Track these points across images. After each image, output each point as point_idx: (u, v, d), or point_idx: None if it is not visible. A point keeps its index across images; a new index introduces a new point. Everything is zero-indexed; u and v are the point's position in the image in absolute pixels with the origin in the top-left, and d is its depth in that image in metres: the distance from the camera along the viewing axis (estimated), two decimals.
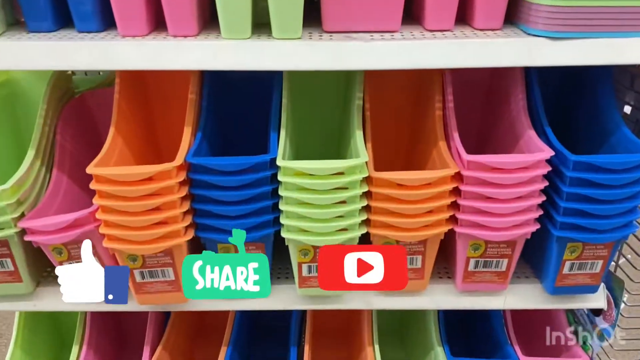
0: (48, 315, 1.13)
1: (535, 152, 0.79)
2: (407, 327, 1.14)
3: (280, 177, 0.77)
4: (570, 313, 1.09)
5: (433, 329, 1.05)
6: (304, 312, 1.08)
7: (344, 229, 0.80)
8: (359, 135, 0.83)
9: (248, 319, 1.12)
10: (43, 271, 0.94)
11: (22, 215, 0.83)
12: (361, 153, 0.78)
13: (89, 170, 0.75)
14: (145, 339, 1.02)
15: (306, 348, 1.00)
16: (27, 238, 0.81)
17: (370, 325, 1.05)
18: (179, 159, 0.76)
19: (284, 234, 0.80)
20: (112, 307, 0.88)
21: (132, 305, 0.89)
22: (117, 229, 0.78)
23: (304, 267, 0.85)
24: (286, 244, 0.82)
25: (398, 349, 1.03)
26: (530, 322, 1.09)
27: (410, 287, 0.89)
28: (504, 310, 1.07)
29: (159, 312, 1.06)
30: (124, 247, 0.79)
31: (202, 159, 0.77)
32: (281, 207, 0.79)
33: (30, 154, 0.87)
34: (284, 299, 0.90)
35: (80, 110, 1.00)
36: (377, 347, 1.01)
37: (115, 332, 1.14)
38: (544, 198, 0.80)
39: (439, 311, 1.06)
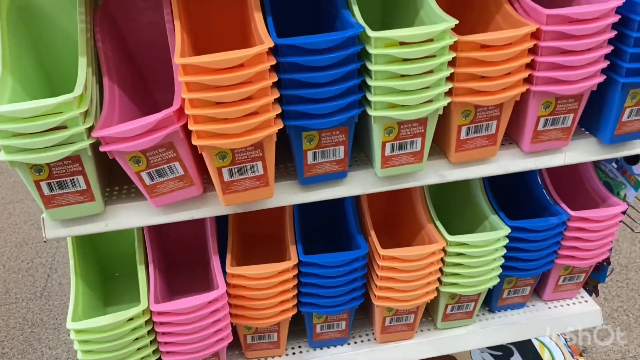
0: (91, 244, 1.08)
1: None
2: (453, 204, 1.18)
3: (370, 50, 0.75)
4: (599, 170, 1.17)
5: (483, 200, 1.09)
6: (358, 202, 1.09)
7: (429, 101, 0.81)
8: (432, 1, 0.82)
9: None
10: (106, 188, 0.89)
11: (92, 127, 0.77)
12: (446, 17, 0.78)
13: (178, 60, 0.70)
14: (211, 247, 1.00)
15: (372, 234, 1.02)
16: (103, 149, 0.76)
17: (425, 203, 1.07)
18: (268, 41, 0.73)
19: (372, 112, 0.80)
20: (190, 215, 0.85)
21: (216, 208, 0.87)
22: (209, 123, 0.74)
23: (388, 146, 0.85)
24: (373, 123, 0.82)
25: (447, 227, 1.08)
26: (564, 184, 1.16)
27: (483, 154, 0.91)
28: (541, 176, 1.13)
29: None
30: (217, 143, 0.75)
31: (291, 39, 0.74)
32: (370, 83, 0.78)
33: (82, 61, 0.81)
34: (364, 183, 0.91)
35: (108, 15, 0.92)
36: (438, 223, 1.04)
37: (164, 252, 1.11)
38: (611, 47, 0.84)
39: (484, 181, 1.11)
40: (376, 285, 1.01)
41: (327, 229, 1.17)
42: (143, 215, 0.87)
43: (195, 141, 0.75)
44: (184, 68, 0.71)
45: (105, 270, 1.14)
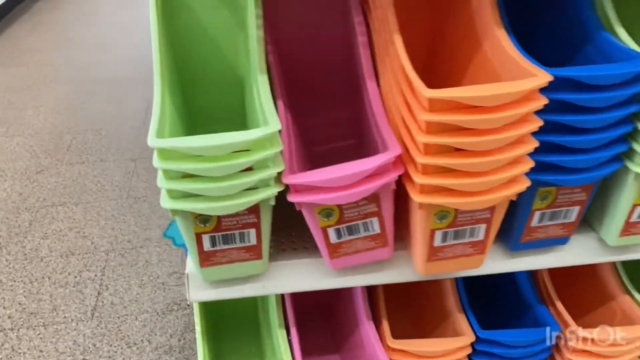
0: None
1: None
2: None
3: None
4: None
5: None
6: None
7: None
8: None
9: None
10: None
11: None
12: None
13: (428, 93, 0.51)
14: (362, 313, 0.81)
15: (558, 306, 0.83)
16: (295, 199, 0.57)
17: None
18: (543, 73, 0.54)
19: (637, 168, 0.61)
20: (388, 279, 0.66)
21: (404, 273, 0.68)
22: (446, 176, 0.55)
23: (638, 209, 0.66)
24: (631, 180, 0.63)
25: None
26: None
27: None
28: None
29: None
30: (451, 202, 0.56)
31: (570, 69, 0.55)
32: None
33: (263, 81, 0.62)
34: (588, 251, 0.71)
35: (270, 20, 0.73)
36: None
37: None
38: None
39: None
40: None
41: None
42: (311, 277, 0.68)
43: (422, 198, 0.56)
44: (432, 102, 0.52)
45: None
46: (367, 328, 0.78)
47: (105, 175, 2.22)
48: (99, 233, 1.98)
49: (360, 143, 0.81)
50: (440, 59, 0.68)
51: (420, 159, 0.54)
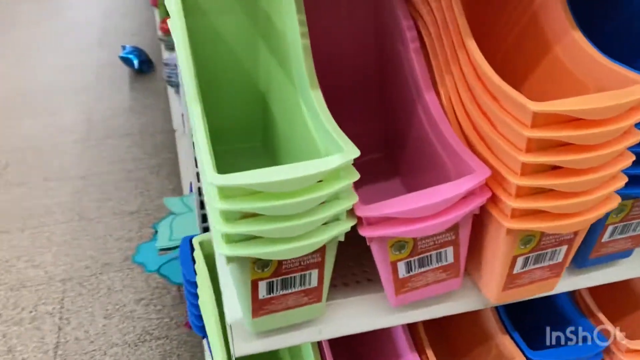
0: None
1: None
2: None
3: None
4: None
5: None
6: None
7: None
8: None
9: None
10: None
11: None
12: None
13: (534, 107, 0.44)
14: (405, 344, 0.74)
15: (601, 317, 0.79)
16: (369, 233, 0.49)
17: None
18: None
19: None
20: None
21: (472, 302, 0.61)
22: (541, 198, 0.49)
23: None
24: None
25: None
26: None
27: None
28: None
29: None
30: (546, 226, 0.50)
31: None
32: None
33: (318, 96, 0.53)
34: None
35: None
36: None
37: None
38: None
39: None
40: None
41: None
42: (370, 315, 0.60)
43: (510, 223, 0.50)
44: (537, 116, 0.45)
45: None
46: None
47: (51, 196, 2.03)
48: (52, 261, 1.81)
49: (386, 157, 0.74)
50: (492, 63, 0.61)
51: (517, 181, 0.47)
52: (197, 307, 0.87)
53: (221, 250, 0.46)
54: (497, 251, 0.54)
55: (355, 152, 0.45)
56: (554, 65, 0.55)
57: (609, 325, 0.77)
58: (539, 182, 0.47)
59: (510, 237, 0.51)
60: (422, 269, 0.55)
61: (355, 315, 0.59)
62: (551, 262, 0.57)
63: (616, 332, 0.77)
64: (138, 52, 2.71)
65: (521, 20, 0.59)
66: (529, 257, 0.55)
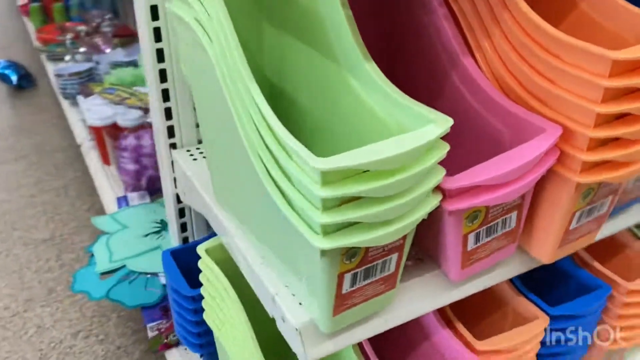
0: None
1: None
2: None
3: None
4: None
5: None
6: None
7: None
8: None
9: None
10: None
11: None
12: None
13: (614, 55, 0.44)
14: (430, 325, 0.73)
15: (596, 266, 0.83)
16: (453, 206, 0.47)
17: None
18: None
19: None
20: None
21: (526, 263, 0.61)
22: (621, 147, 0.50)
23: None
24: None
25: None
26: None
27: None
28: None
29: None
30: (614, 176, 0.51)
31: None
32: None
33: (373, 68, 0.49)
34: None
35: None
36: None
37: None
38: None
39: None
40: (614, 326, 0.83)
41: None
42: (433, 295, 0.58)
43: (580, 177, 0.50)
44: (615, 66, 0.45)
45: None
46: (445, 336, 0.70)
47: None
48: None
49: None
50: None
51: (592, 133, 0.47)
52: (195, 323, 0.80)
53: (318, 244, 0.41)
54: (560, 208, 0.54)
55: (449, 120, 0.43)
56: (582, 21, 0.56)
57: (607, 272, 0.81)
58: (613, 132, 0.48)
59: (577, 192, 0.52)
60: (489, 238, 0.54)
61: (416, 298, 0.56)
62: (599, 214, 0.58)
63: (615, 277, 0.81)
64: (15, 66, 2.45)
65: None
66: (584, 210, 0.55)
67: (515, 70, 0.53)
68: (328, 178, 0.39)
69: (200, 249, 0.70)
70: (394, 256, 0.49)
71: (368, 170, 0.40)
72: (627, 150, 0.49)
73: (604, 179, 0.50)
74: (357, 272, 0.47)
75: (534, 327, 0.72)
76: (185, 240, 0.87)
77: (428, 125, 0.42)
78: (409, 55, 0.62)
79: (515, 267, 0.61)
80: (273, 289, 0.55)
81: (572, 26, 0.57)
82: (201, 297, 0.77)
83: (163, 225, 1.50)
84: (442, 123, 0.42)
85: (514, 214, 0.54)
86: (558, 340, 0.78)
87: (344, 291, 0.47)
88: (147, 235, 1.47)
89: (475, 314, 0.83)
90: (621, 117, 0.49)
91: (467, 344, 0.70)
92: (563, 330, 0.76)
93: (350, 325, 0.53)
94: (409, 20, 0.60)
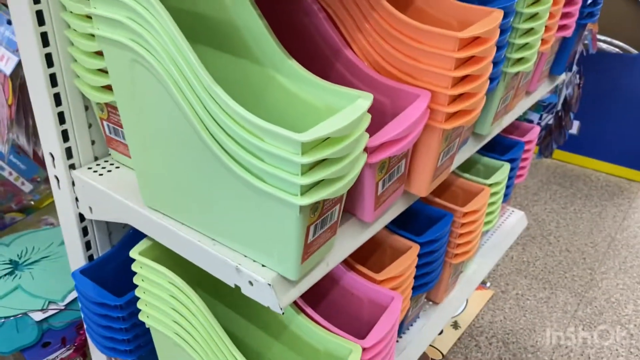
0: None
1: None
2: None
3: None
4: None
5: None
6: None
7: None
8: None
9: None
10: None
11: None
12: None
13: (460, 35, 0.64)
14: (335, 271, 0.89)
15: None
16: (375, 158, 0.63)
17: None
18: None
19: None
20: None
21: (412, 199, 0.80)
22: (462, 100, 0.70)
23: None
24: None
25: None
26: None
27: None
28: None
29: None
30: (463, 122, 0.72)
31: None
32: None
33: (295, 63, 0.63)
34: None
35: None
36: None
37: None
38: None
39: None
40: (456, 244, 1.08)
41: None
42: (353, 237, 0.73)
43: (445, 125, 0.70)
44: (461, 42, 0.65)
45: None
46: (353, 277, 0.87)
47: None
48: None
49: None
50: None
51: (450, 92, 0.67)
52: (125, 330, 0.85)
53: (303, 202, 0.53)
54: (431, 151, 0.73)
55: (370, 95, 0.58)
56: (419, 13, 0.76)
57: (446, 203, 1.06)
58: (463, 89, 0.68)
59: (442, 137, 0.71)
60: (390, 182, 0.71)
61: (343, 242, 0.71)
62: (452, 153, 0.79)
63: (453, 206, 1.05)
64: None
65: None
66: (445, 150, 0.76)
67: (386, 55, 0.70)
68: (306, 148, 0.51)
69: (134, 253, 0.76)
70: (337, 207, 0.63)
71: (328, 139, 0.54)
72: (472, 100, 0.70)
73: (459, 123, 0.70)
74: (317, 223, 0.60)
75: (411, 253, 0.93)
76: (90, 258, 0.90)
77: (357, 100, 0.57)
78: (294, 50, 0.76)
79: (400, 205, 0.80)
80: (233, 261, 0.65)
81: (412, 17, 0.77)
82: (129, 304, 0.82)
83: (14, 265, 1.43)
84: (367, 98, 0.57)
85: (403, 162, 0.71)
86: (425, 263, 0.99)
87: (309, 241, 0.60)
88: None
89: (362, 257, 1.01)
90: (465, 78, 0.69)
91: (370, 278, 0.87)
92: (427, 254, 0.98)
93: (308, 270, 0.66)
94: (293, 22, 0.74)
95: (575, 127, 2.54)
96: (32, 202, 1.75)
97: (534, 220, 2.42)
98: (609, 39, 2.46)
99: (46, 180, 1.75)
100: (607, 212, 2.51)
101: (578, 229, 2.39)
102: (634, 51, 2.47)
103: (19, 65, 1.14)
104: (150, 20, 0.56)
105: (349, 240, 0.72)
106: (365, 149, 0.62)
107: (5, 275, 1.38)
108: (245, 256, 0.66)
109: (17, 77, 1.18)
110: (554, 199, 2.60)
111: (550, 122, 1.71)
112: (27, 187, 1.74)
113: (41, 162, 1.66)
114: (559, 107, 1.58)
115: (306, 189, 0.54)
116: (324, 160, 0.54)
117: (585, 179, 2.76)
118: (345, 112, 0.55)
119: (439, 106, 0.69)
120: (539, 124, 1.49)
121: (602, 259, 2.20)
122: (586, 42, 1.41)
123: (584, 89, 1.95)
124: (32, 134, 1.28)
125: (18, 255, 1.45)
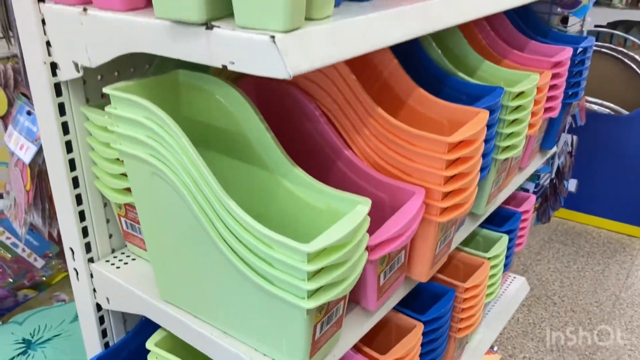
0: None
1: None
2: None
3: None
4: None
5: None
6: None
7: None
8: None
9: None
10: None
11: None
12: None
13: (450, 139, 0.70)
14: None
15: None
16: (376, 255, 0.68)
17: None
18: None
19: None
20: None
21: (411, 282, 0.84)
22: (455, 195, 0.76)
23: None
24: None
25: None
26: None
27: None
28: None
29: None
30: (457, 214, 0.77)
31: None
32: None
33: (301, 171, 0.69)
34: None
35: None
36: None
37: None
38: None
39: None
40: (460, 318, 1.11)
41: None
42: (359, 326, 0.77)
43: (440, 218, 0.75)
44: (450, 146, 0.71)
45: None
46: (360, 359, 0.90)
47: None
48: None
49: None
50: None
51: (443, 189, 0.73)
52: None
53: (306, 305, 0.58)
54: (428, 241, 0.78)
55: (368, 200, 0.64)
56: (412, 113, 0.83)
57: (448, 279, 1.10)
58: (454, 186, 0.73)
59: (438, 228, 0.76)
60: (391, 273, 0.75)
61: (348, 331, 0.75)
62: (449, 240, 0.84)
63: (454, 282, 1.09)
64: None
65: (374, 85, 0.85)
66: (442, 239, 0.81)
67: (383, 155, 0.76)
68: (311, 257, 0.56)
69: (150, 344, 0.80)
70: (342, 303, 0.67)
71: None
72: (464, 194, 0.75)
73: (453, 216, 0.75)
74: (323, 320, 0.64)
75: (415, 332, 0.96)
76: (106, 345, 0.94)
77: (357, 206, 0.62)
78: (299, 151, 0.82)
79: (403, 291, 0.84)
80: (245, 355, 0.69)
81: (406, 117, 0.83)
82: None
83: (27, 344, 1.46)
84: (365, 203, 0.63)
85: (402, 253, 0.76)
86: (429, 340, 1.02)
87: (316, 338, 0.64)
88: (12, 359, 1.42)
89: (368, 335, 1.04)
90: (456, 175, 0.75)
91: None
92: (432, 331, 1.01)
93: None
94: (297, 126, 0.80)
95: (573, 185, 2.60)
96: (44, 278, 1.79)
97: (538, 280, 2.44)
98: (599, 101, 2.55)
99: (58, 255, 1.80)
100: (610, 270, 2.53)
101: (582, 288, 2.40)
102: (624, 112, 2.56)
103: (37, 153, 1.21)
104: (168, 140, 0.62)
105: (354, 329, 0.76)
106: (367, 248, 0.67)
107: (18, 355, 1.40)
108: (257, 350, 0.69)
109: (36, 165, 1.25)
110: (557, 258, 2.62)
111: (547, 185, 1.77)
112: (40, 262, 1.79)
113: (54, 240, 1.71)
114: (553, 175, 1.64)
115: (312, 293, 0.59)
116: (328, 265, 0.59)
117: (586, 236, 2.79)
118: (346, 219, 0.60)
119: (434, 201, 0.74)
120: (535, 192, 1.55)
121: (607, 318, 2.21)
122: (574, 114, 1.49)
123: (579, 148, 2.03)
124: (48, 216, 1.33)
125: (31, 334, 1.49)
